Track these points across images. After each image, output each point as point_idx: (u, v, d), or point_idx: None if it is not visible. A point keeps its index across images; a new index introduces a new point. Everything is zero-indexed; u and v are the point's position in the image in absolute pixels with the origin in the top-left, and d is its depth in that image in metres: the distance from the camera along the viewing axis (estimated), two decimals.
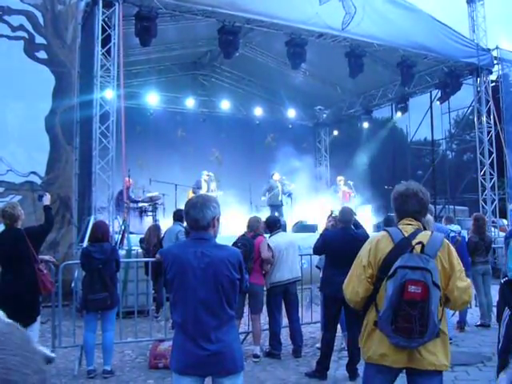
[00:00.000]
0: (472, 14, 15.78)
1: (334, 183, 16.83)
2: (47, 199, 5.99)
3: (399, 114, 18.57)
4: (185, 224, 6.44)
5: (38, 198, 6.13)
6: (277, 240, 7.24)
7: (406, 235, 3.22)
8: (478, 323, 8.61)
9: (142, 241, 9.87)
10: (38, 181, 11.02)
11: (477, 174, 15.86)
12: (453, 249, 3.29)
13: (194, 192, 14.05)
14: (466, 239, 8.83)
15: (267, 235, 7.43)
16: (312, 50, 13.68)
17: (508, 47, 16.85)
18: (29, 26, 11.00)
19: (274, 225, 7.49)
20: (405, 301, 2.99)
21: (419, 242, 3.10)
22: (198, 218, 3.28)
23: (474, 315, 8.98)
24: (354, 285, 3.28)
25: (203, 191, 14.19)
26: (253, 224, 7.29)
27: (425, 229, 3.37)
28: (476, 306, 8.90)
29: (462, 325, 8.33)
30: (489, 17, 16.13)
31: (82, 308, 6.48)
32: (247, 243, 6.80)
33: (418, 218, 3.34)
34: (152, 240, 9.54)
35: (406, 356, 3.11)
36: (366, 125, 19.84)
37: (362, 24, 13.05)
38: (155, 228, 9.91)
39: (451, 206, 16.98)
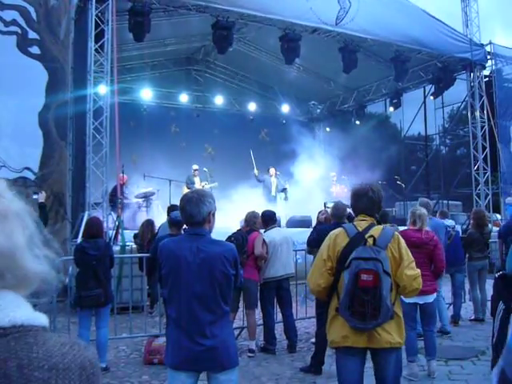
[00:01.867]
0: (465, 9, 15.78)
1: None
2: (42, 197, 5.97)
3: (392, 108, 18.61)
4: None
5: (33, 194, 6.10)
6: (272, 235, 7.24)
7: (360, 230, 3.62)
8: (472, 317, 8.64)
9: (135, 236, 9.86)
10: (32, 176, 10.96)
11: (470, 169, 15.91)
12: (402, 240, 3.67)
13: (188, 188, 14.07)
14: (460, 234, 8.86)
15: (262, 230, 7.42)
16: (306, 46, 13.67)
17: (502, 42, 16.87)
18: (22, 21, 10.92)
19: (269, 219, 7.47)
20: (359, 288, 3.39)
21: (371, 236, 3.53)
22: (193, 213, 3.28)
23: (467, 310, 9.03)
24: (316, 277, 3.65)
25: (196, 185, 14.23)
26: (249, 219, 7.27)
27: (379, 223, 3.78)
28: (470, 300, 8.93)
29: (456, 319, 8.36)
30: (482, 12, 16.17)
31: (75, 305, 6.45)
32: (240, 237, 6.80)
33: (370, 214, 3.73)
34: (146, 235, 9.52)
35: (365, 337, 3.49)
36: (359, 120, 19.86)
37: (356, 19, 13.05)
38: (149, 223, 9.89)
39: (445, 201, 17.01)
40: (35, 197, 6.03)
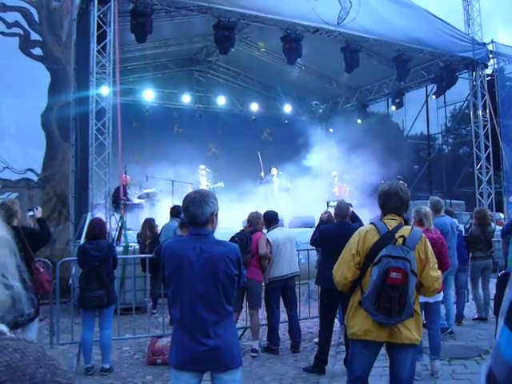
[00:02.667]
0: (467, 8, 15.77)
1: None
2: (39, 212, 5.92)
3: (394, 108, 18.60)
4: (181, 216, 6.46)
5: (28, 211, 6.02)
6: (275, 235, 7.24)
7: (390, 229, 3.75)
8: (475, 317, 8.63)
9: (139, 236, 9.88)
10: (35, 178, 11.00)
11: (473, 168, 15.89)
12: (428, 242, 3.84)
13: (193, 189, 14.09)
14: (463, 233, 8.84)
15: (265, 230, 7.42)
16: (308, 45, 13.66)
17: (504, 40, 16.86)
18: (24, 23, 10.96)
19: (272, 219, 7.48)
20: (387, 285, 3.54)
21: (401, 236, 3.65)
22: (196, 213, 3.28)
23: (471, 309, 9.02)
24: (344, 270, 3.78)
25: (202, 186, 14.26)
26: (252, 219, 7.28)
27: (406, 223, 3.97)
28: (473, 299, 8.92)
29: (459, 319, 8.35)
30: (484, 10, 16.16)
31: (78, 306, 6.46)
32: (244, 237, 6.81)
33: (399, 214, 3.89)
34: (146, 235, 9.53)
35: (387, 332, 3.66)
36: (361, 119, 19.86)
37: (357, 19, 13.04)
38: (149, 222, 9.89)
39: (448, 200, 17.00)
40: (31, 213, 5.97)
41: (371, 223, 4.01)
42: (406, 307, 3.55)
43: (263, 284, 7.24)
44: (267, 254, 6.99)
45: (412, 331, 3.68)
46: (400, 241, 3.63)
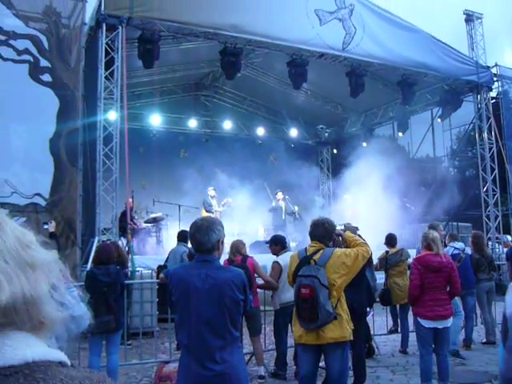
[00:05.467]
0: (471, 32, 15.91)
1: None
2: (52, 226, 6.00)
3: (401, 134, 18.67)
4: (189, 245, 6.42)
5: (43, 224, 6.12)
6: (285, 259, 7.20)
7: (309, 254, 4.60)
8: (484, 341, 8.56)
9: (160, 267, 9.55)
10: (43, 202, 11.04)
11: (479, 191, 15.87)
12: (343, 249, 4.67)
13: (207, 211, 14.14)
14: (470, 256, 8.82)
15: (274, 255, 7.36)
16: (313, 70, 13.80)
17: (508, 61, 16.97)
18: (34, 50, 11.11)
19: (281, 243, 7.43)
20: (300, 298, 4.46)
21: (313, 258, 4.50)
22: (203, 241, 3.33)
23: (480, 333, 8.94)
24: (289, 287, 4.95)
25: (215, 207, 14.35)
26: (237, 246, 7.20)
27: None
28: (481, 323, 8.85)
29: (468, 343, 8.28)
30: (488, 33, 16.28)
31: (86, 331, 6.44)
32: (244, 269, 6.74)
33: (322, 241, 4.64)
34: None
35: (314, 336, 4.46)
36: (367, 142, 19.90)
37: (362, 44, 13.17)
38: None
39: (454, 223, 16.95)
40: (46, 227, 6.06)
41: (297, 251, 5.01)
42: (320, 314, 4.28)
43: (269, 309, 7.19)
44: (271, 280, 6.96)
45: (335, 331, 4.38)
46: (312, 262, 4.46)
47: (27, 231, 1.00)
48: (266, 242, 7.66)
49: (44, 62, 11.20)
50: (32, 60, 11.08)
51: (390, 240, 8.94)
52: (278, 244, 7.40)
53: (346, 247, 4.82)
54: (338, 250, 4.58)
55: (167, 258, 9.12)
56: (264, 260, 8.36)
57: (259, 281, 7.16)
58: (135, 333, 7.84)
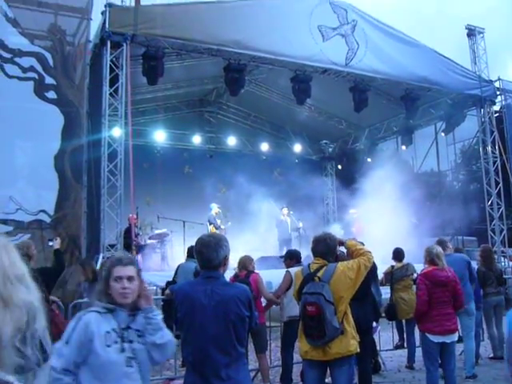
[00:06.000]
0: (473, 47, 15.96)
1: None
2: (57, 243, 6.00)
3: (404, 147, 18.68)
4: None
5: (49, 241, 6.13)
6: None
7: (312, 271, 4.57)
8: (491, 356, 8.49)
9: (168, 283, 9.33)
10: (47, 219, 11.05)
11: (484, 204, 15.82)
12: (345, 263, 4.59)
13: (215, 227, 14.16)
14: (476, 270, 8.77)
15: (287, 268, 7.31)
16: (317, 86, 13.85)
17: (511, 76, 17.00)
18: (39, 67, 11.20)
19: (296, 257, 7.42)
20: (306, 316, 4.44)
21: (317, 275, 4.48)
22: (211, 257, 3.34)
23: (486, 348, 8.86)
24: (296, 303, 4.84)
25: (220, 225, 14.40)
26: (245, 261, 7.23)
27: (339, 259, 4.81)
28: (488, 338, 8.78)
29: (475, 358, 8.20)
30: (490, 47, 16.34)
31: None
32: (244, 282, 6.72)
33: (324, 257, 4.63)
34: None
35: (321, 351, 4.42)
36: (371, 157, 19.90)
37: (364, 59, 13.23)
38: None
39: (459, 237, 16.88)
40: (51, 243, 6.07)
41: (301, 267, 5.07)
42: (327, 331, 4.27)
43: (274, 324, 7.16)
44: (272, 297, 6.96)
45: (341, 346, 4.36)
46: (317, 279, 4.45)
47: (21, 265, 0.98)
48: (281, 257, 7.69)
49: (49, 80, 11.28)
50: (37, 77, 11.17)
51: (398, 254, 8.93)
52: (293, 259, 7.42)
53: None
54: (340, 264, 4.56)
55: (175, 273, 9.03)
56: (268, 276, 8.34)
57: (264, 302, 7.16)
58: None
